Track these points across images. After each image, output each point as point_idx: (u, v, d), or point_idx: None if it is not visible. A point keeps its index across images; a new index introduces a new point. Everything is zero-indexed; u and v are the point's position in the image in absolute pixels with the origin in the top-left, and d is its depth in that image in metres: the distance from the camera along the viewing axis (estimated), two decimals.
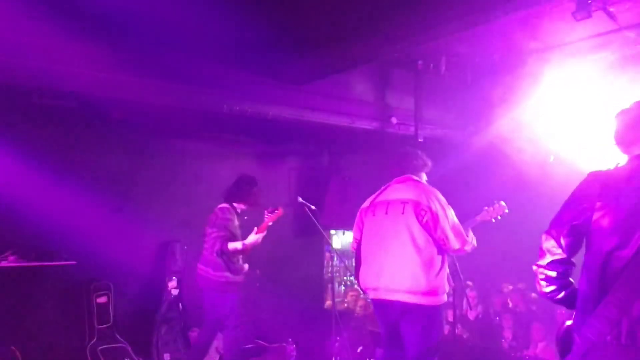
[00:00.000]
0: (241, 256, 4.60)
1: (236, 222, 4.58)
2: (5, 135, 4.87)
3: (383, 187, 3.69)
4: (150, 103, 4.88)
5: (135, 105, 4.98)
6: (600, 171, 2.16)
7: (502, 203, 3.93)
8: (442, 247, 3.39)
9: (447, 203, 3.44)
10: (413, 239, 3.34)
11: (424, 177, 3.73)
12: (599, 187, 2.07)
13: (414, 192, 3.45)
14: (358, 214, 3.75)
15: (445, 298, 3.40)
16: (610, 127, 2.27)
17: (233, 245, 4.41)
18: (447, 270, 3.47)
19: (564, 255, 2.15)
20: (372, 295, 3.54)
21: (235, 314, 4.56)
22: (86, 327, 5.35)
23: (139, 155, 5.86)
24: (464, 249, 3.42)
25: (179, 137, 6.17)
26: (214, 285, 4.48)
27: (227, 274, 4.46)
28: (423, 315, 3.33)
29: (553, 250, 2.16)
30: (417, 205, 3.37)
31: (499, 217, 3.92)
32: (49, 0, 3.91)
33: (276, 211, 4.55)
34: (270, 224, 4.55)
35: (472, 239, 3.49)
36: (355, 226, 3.77)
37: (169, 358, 5.63)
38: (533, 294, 6.23)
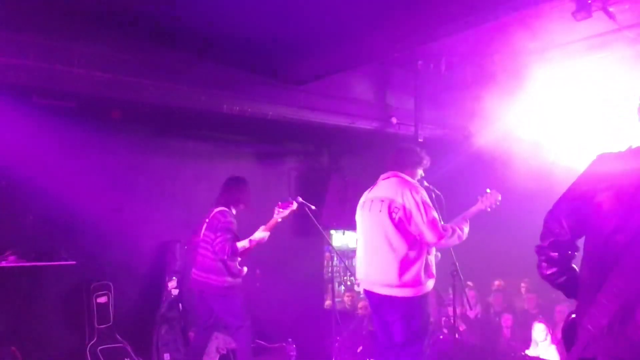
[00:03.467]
0: (239, 259, 4.56)
1: (236, 224, 4.55)
2: (5, 135, 4.87)
3: (375, 183, 3.85)
4: (150, 103, 4.88)
5: (135, 105, 4.98)
6: (610, 153, 2.07)
7: (496, 192, 3.91)
8: (420, 242, 3.51)
9: (425, 198, 3.55)
10: (386, 236, 3.53)
11: (419, 173, 3.82)
12: (605, 168, 2.00)
13: (392, 189, 3.62)
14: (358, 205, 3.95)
15: (422, 290, 3.51)
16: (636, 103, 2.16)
17: (241, 244, 4.43)
18: (425, 263, 3.55)
19: (567, 236, 2.07)
20: (361, 286, 3.83)
21: (243, 315, 4.53)
22: (86, 327, 5.35)
23: (139, 155, 5.86)
24: (442, 242, 3.52)
25: (179, 137, 6.18)
26: (217, 291, 4.45)
27: (229, 278, 4.44)
28: (399, 306, 3.50)
29: (555, 230, 2.09)
30: (391, 203, 3.55)
31: (495, 205, 3.89)
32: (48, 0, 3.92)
33: (290, 206, 4.49)
34: (280, 220, 4.53)
35: (450, 232, 3.54)
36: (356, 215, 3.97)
37: (169, 358, 5.63)
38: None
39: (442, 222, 3.88)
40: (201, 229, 4.60)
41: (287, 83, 5.43)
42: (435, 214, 3.52)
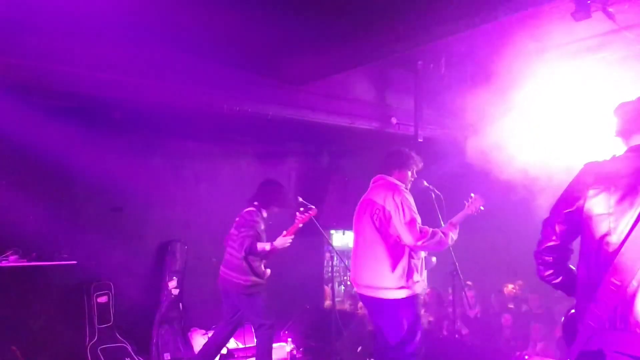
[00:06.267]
0: (264, 261, 4.61)
1: (262, 226, 4.59)
2: (5, 135, 4.87)
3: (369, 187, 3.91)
4: (151, 103, 4.88)
5: (135, 105, 4.99)
6: (595, 162, 2.24)
7: (479, 198, 3.89)
8: (401, 245, 3.53)
9: (406, 201, 3.55)
10: (369, 239, 3.61)
11: (409, 175, 3.81)
12: (593, 176, 2.17)
13: (376, 192, 3.70)
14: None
15: (407, 292, 3.51)
16: (611, 119, 2.34)
17: (261, 245, 4.44)
18: (408, 266, 3.53)
19: (558, 242, 2.25)
20: (354, 288, 3.89)
21: (265, 314, 4.58)
22: (86, 327, 5.36)
23: (139, 155, 5.86)
24: (419, 244, 3.49)
25: (179, 137, 6.18)
26: (241, 290, 4.51)
27: (254, 277, 4.50)
28: (387, 308, 3.54)
29: (549, 236, 2.26)
30: (372, 206, 3.63)
31: (479, 211, 3.88)
32: (49, 1, 3.91)
33: (309, 212, 4.53)
34: (301, 225, 4.54)
35: (431, 235, 3.51)
36: None
37: (169, 357, 5.64)
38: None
39: (442, 222, 3.89)
40: (232, 228, 4.68)
41: (287, 83, 5.43)
42: (416, 217, 3.53)
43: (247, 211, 4.61)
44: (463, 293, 4.79)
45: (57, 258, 5.09)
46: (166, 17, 4.22)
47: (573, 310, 2.24)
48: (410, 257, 3.57)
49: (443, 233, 3.61)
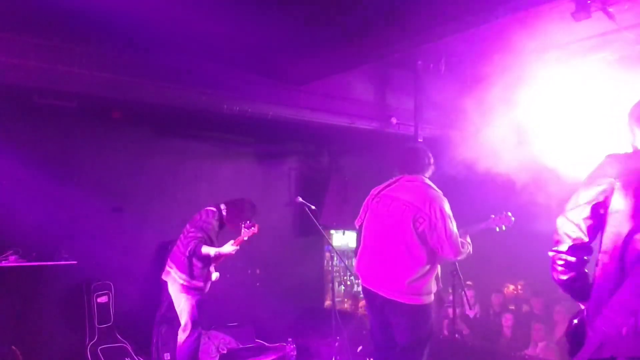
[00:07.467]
0: (214, 263, 4.56)
1: (217, 229, 4.54)
2: (5, 135, 4.88)
3: (393, 180, 3.67)
4: (151, 103, 4.88)
5: (135, 105, 4.99)
6: (619, 154, 2.07)
7: (509, 214, 3.95)
8: (434, 253, 3.44)
9: (449, 212, 3.43)
10: (405, 242, 3.39)
11: (428, 174, 3.75)
12: (617, 168, 1.99)
13: (419, 196, 3.44)
14: (367, 197, 3.76)
15: (430, 299, 3.46)
16: (629, 113, 2.19)
17: (206, 250, 4.35)
18: (436, 273, 3.52)
19: (586, 240, 2.03)
20: (361, 281, 3.67)
21: (194, 321, 4.50)
22: (86, 327, 5.36)
23: (139, 155, 5.87)
24: (456, 258, 3.47)
25: (179, 137, 6.18)
26: (176, 286, 4.47)
27: (186, 277, 4.41)
28: (404, 312, 3.41)
29: (573, 234, 2.04)
30: (417, 212, 3.39)
31: (504, 228, 3.93)
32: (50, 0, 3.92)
33: (252, 228, 4.50)
34: (246, 239, 4.50)
35: (467, 247, 3.50)
36: (362, 207, 3.77)
37: (169, 358, 5.63)
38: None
39: None
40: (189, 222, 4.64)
41: (287, 83, 5.43)
42: (456, 228, 3.42)
43: (206, 210, 4.55)
44: (463, 293, 4.78)
45: (57, 258, 5.09)
46: (165, 17, 4.22)
47: (576, 321, 2.11)
48: (439, 263, 3.55)
49: (468, 244, 3.57)
